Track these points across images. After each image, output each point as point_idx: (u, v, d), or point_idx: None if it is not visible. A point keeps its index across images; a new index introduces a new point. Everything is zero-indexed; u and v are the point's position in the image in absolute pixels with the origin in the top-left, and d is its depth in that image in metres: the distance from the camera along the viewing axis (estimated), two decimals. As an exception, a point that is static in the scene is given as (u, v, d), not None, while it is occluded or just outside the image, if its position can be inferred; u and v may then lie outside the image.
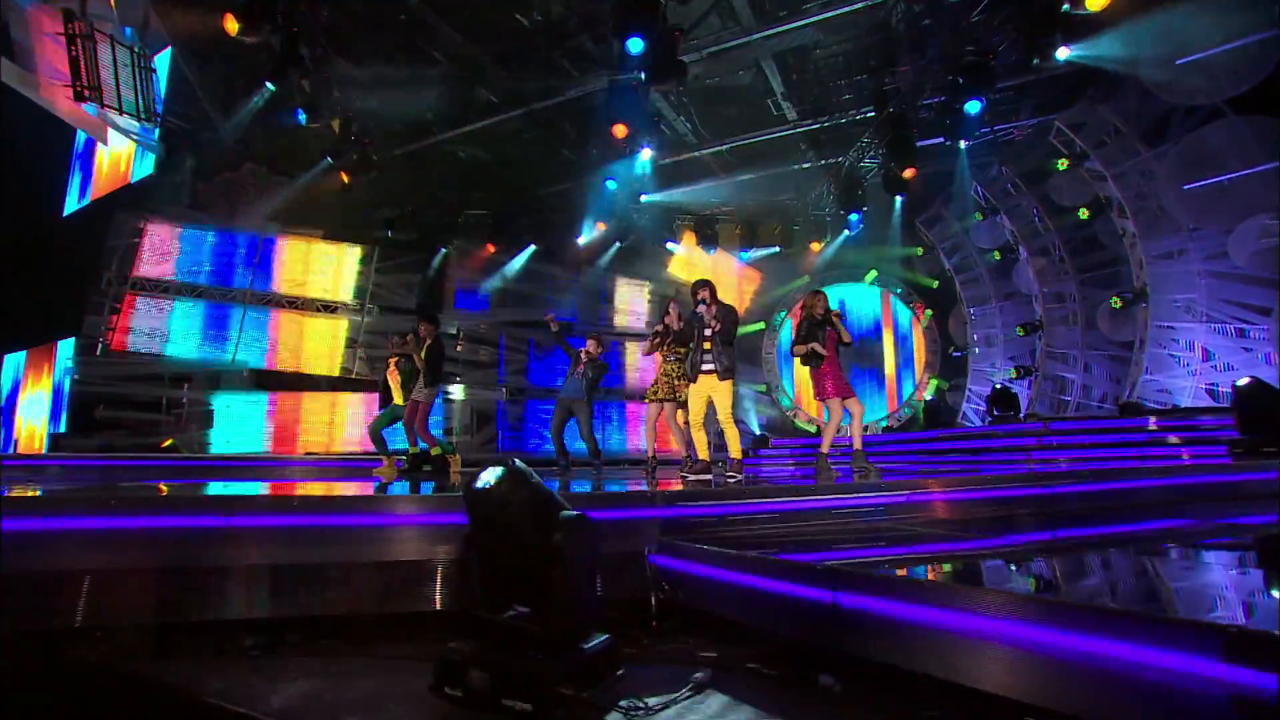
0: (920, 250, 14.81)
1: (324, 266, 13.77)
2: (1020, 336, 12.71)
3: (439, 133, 13.51)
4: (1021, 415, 12.25)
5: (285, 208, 13.41)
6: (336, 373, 13.58)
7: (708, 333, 5.76)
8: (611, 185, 11.75)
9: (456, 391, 14.80)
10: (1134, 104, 10.33)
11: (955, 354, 13.80)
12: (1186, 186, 9.27)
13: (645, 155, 11.18)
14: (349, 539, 3.25)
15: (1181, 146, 9.45)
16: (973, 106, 9.73)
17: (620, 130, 10.02)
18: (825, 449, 6.42)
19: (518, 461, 2.44)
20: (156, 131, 11.26)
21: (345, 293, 13.86)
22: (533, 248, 15.11)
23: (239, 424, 12.77)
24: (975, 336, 13.81)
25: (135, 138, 11.32)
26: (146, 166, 11.79)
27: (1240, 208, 9.12)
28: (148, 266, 12.67)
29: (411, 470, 7.07)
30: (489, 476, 2.35)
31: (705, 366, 5.75)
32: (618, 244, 14.87)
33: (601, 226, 13.99)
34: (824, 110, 13.15)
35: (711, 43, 10.92)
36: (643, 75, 9.08)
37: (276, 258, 13.54)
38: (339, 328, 13.72)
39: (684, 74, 9.32)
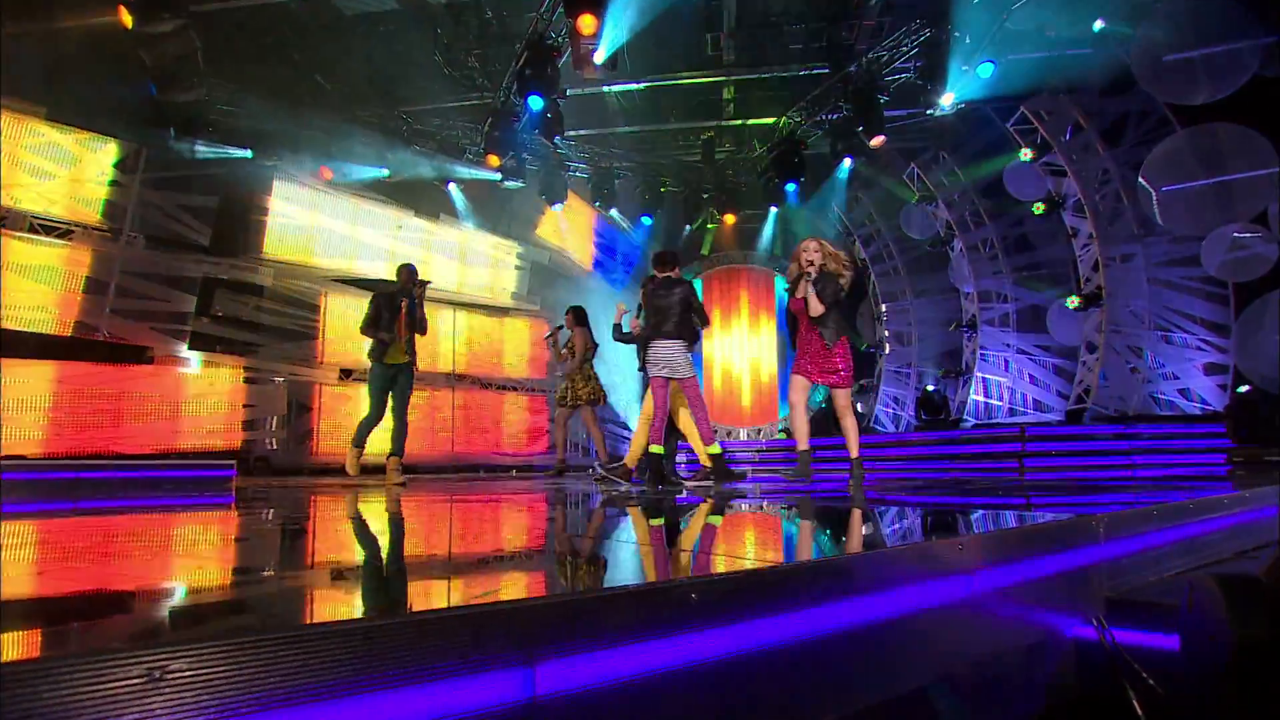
0: (832, 235, 13.80)
1: (48, 165, 8.77)
2: (951, 331, 12.16)
3: (264, -9, 9.35)
4: (949, 419, 11.71)
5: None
6: (66, 331, 8.74)
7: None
8: (537, 104, 8.75)
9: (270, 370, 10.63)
10: (1095, 101, 10.02)
11: (868, 350, 12.97)
12: (1165, 189, 8.99)
13: (599, 56, 8.20)
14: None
15: (1154, 152, 9.19)
16: (985, 70, 8.56)
17: (589, 23, 7.18)
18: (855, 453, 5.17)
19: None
20: None
21: (88, 209, 9.00)
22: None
23: None
24: (888, 333, 13.10)
25: None
26: None
27: (1201, 216, 9.08)
28: None
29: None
30: None
31: None
32: (501, 179, 11.56)
33: (494, 161, 10.77)
34: (769, 60, 11.44)
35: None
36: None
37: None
38: (76, 261, 8.84)
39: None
